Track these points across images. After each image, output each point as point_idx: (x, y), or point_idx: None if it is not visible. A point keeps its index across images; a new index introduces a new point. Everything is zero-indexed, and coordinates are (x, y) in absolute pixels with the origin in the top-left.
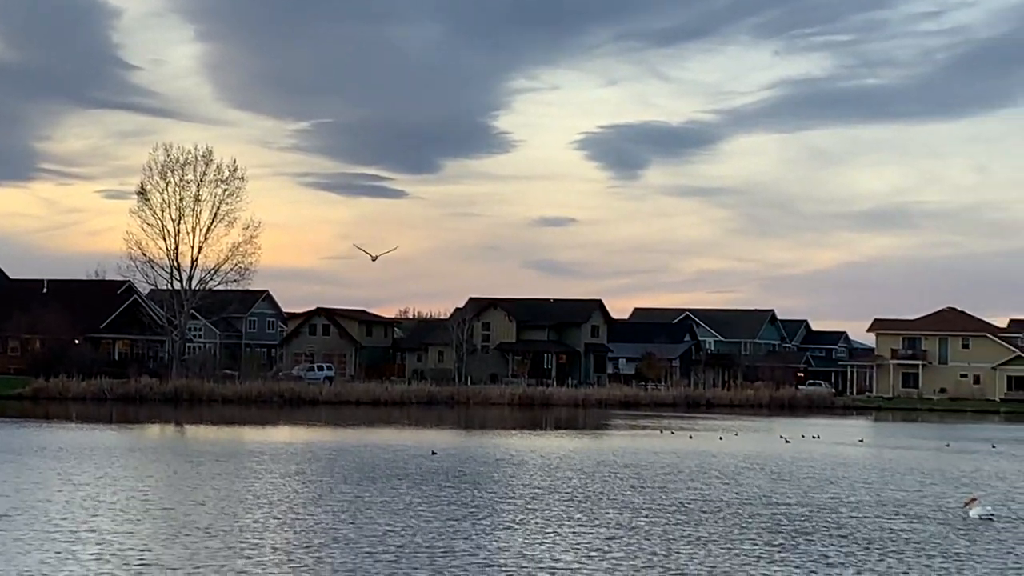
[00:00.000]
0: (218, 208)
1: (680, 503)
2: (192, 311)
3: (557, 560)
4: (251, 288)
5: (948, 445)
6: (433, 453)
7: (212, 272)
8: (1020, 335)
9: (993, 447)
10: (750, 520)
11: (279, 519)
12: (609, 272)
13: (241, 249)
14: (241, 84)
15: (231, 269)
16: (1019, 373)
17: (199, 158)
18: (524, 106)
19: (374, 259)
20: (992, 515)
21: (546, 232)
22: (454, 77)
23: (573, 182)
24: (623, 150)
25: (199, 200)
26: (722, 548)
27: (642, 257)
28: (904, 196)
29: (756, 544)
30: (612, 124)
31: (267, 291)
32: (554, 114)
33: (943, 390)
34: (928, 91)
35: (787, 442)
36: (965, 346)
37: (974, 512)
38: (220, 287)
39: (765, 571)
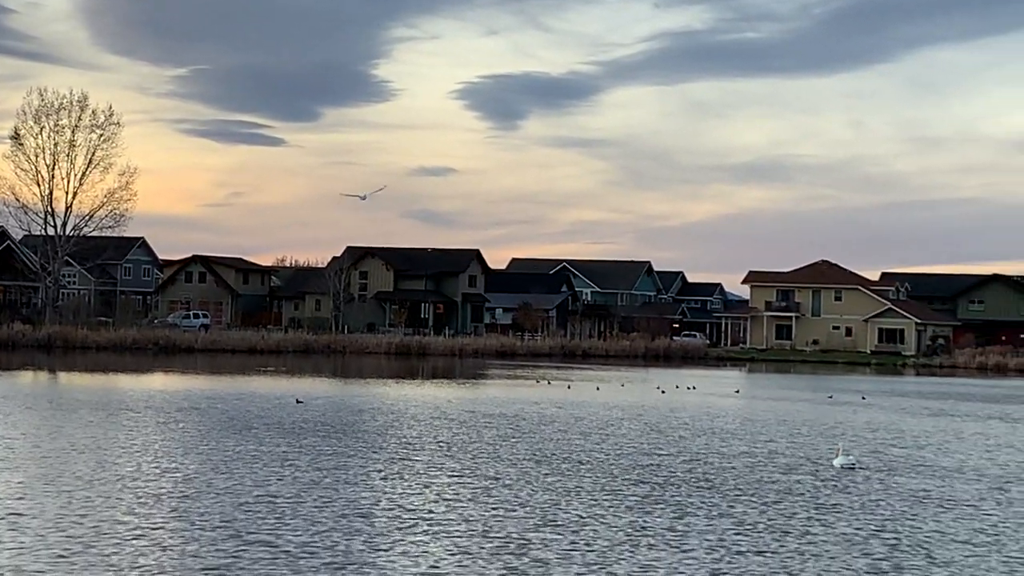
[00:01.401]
0: (93, 154)
1: (556, 453)
2: (66, 257)
3: (432, 511)
4: (126, 235)
5: (831, 397)
6: (298, 402)
7: (87, 218)
8: (892, 288)
9: (863, 398)
10: (626, 470)
11: (155, 468)
12: (487, 222)
13: (116, 195)
14: (118, 29)
15: (106, 215)
16: (890, 326)
17: (74, 103)
18: (404, 55)
19: (363, 198)
20: (854, 465)
21: (425, 182)
22: (334, 25)
23: (453, 132)
24: (503, 100)
25: (74, 145)
26: (597, 498)
27: (520, 208)
28: (780, 149)
29: (630, 494)
30: (492, 74)
31: (143, 238)
32: (434, 63)
33: (816, 342)
34: (805, 45)
35: (663, 393)
36: (838, 299)
37: (837, 462)
38: (95, 233)
39: (638, 520)
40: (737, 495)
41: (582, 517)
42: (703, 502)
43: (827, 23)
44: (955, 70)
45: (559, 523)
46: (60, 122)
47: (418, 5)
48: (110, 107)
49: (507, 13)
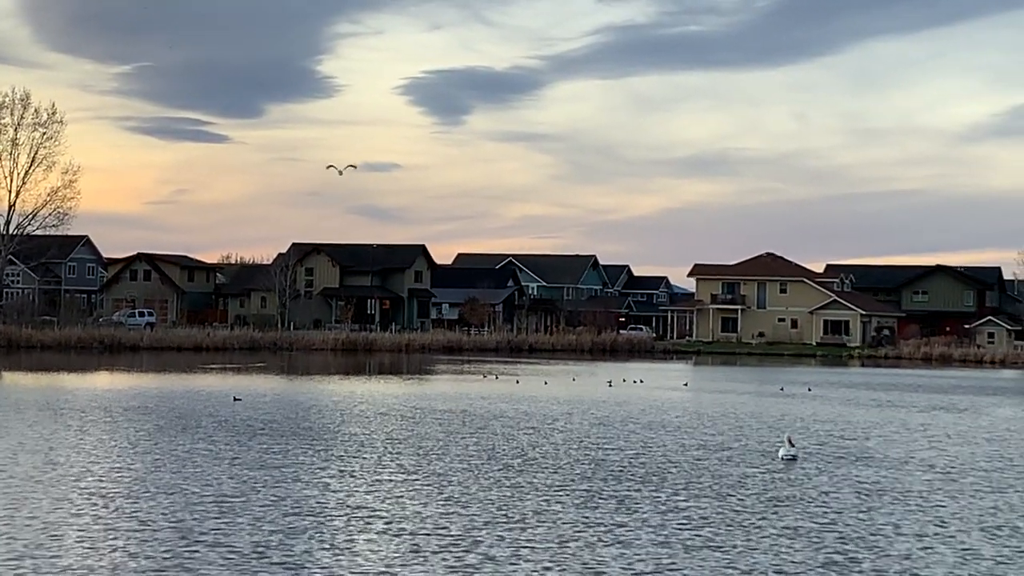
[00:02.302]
0: (36, 152)
1: (505, 449)
2: (9, 256)
3: (382, 508)
4: (70, 233)
5: (782, 389)
6: (236, 399)
7: (30, 217)
8: (836, 280)
9: (809, 390)
10: (575, 465)
11: (103, 467)
12: (433, 217)
13: (60, 194)
14: (60, 26)
15: (50, 214)
16: (835, 317)
17: (16, 101)
18: (348, 50)
19: (340, 173)
20: (795, 456)
21: (370, 177)
22: (278, 21)
23: (397, 127)
24: (447, 95)
25: (16, 144)
26: (546, 493)
27: (466, 202)
28: (724, 143)
29: (580, 489)
30: (436, 69)
31: (87, 236)
32: (378, 59)
33: (761, 334)
34: (749, 38)
35: (611, 386)
36: (783, 291)
37: (780, 452)
38: (38, 232)
39: (588, 515)
40: (687, 489)
41: (532, 513)
42: (653, 496)
43: (770, 16)
44: (898, 62)
45: (509, 519)
46: (2, 120)
47: (361, 1)
48: (53, 105)
49: (451, 8)
